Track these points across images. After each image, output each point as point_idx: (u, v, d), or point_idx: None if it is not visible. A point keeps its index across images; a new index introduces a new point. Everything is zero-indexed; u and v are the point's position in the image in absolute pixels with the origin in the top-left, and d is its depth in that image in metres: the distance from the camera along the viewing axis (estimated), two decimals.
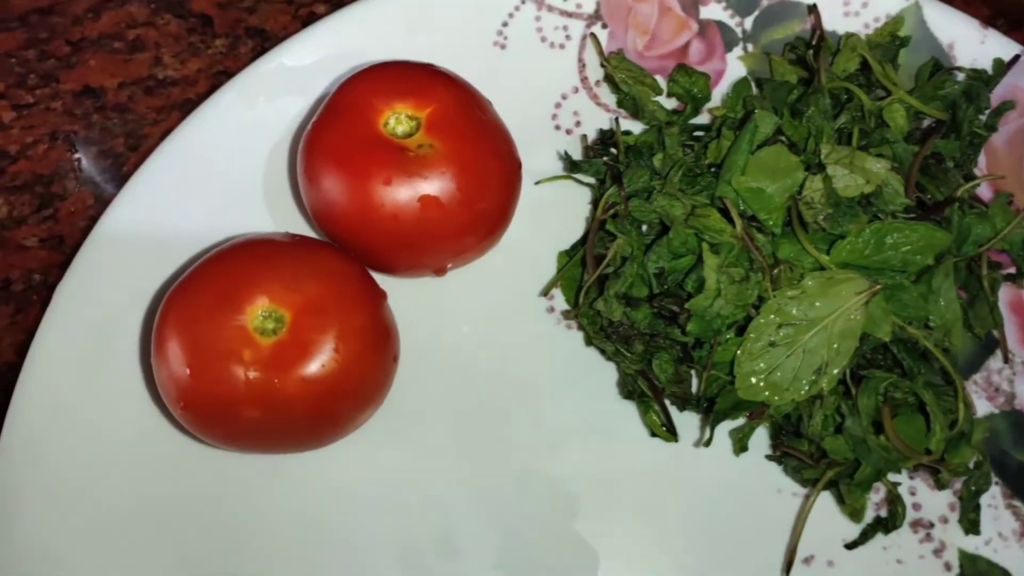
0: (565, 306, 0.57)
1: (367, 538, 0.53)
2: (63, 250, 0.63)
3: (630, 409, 0.55)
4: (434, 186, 0.51)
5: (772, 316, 0.51)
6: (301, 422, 0.50)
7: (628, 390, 0.55)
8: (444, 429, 0.55)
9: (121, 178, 0.64)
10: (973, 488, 0.53)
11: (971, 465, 0.52)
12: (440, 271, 0.56)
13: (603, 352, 0.56)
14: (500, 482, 0.54)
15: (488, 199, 0.53)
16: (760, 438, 0.55)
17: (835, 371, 0.50)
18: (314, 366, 0.49)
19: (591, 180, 0.59)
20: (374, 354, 0.51)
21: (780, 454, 0.54)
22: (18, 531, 0.51)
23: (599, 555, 0.52)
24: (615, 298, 0.52)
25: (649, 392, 0.54)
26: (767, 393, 0.51)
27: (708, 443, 0.53)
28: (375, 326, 0.51)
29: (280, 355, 0.49)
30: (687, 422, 0.55)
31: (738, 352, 0.51)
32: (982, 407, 0.55)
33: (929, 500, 0.54)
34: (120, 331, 0.55)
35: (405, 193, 0.51)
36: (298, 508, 0.53)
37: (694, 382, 0.55)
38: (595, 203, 0.58)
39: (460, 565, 0.52)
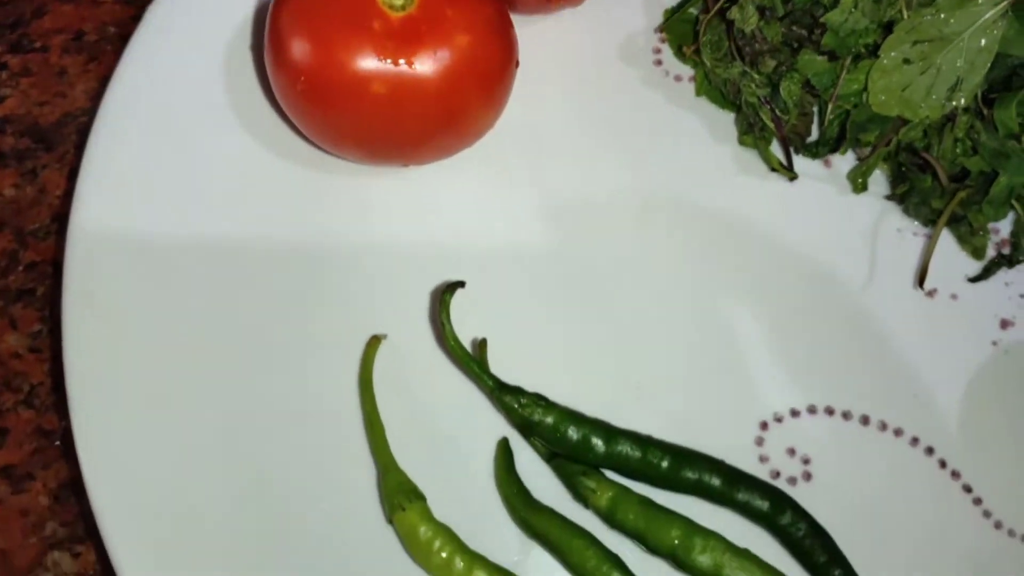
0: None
1: None
2: (137, 3, 0.61)
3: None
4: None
5: (906, 34, 0.50)
6: (427, 106, 0.47)
7: (747, 125, 0.53)
8: None
9: None
10: None
11: None
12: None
13: (721, 95, 0.54)
14: None
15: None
16: (878, 183, 0.54)
17: (970, 87, 0.49)
18: (444, 45, 0.47)
19: None
20: (501, 46, 0.49)
21: (903, 191, 0.52)
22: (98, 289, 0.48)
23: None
24: (752, 4, 0.50)
25: (771, 123, 0.52)
26: (900, 108, 0.50)
27: (822, 151, 0.52)
28: (502, 19, 0.49)
29: (410, 29, 0.46)
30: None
31: (871, 69, 0.50)
32: None
33: None
34: (197, 81, 0.53)
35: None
36: None
37: (815, 129, 0.54)
38: None
39: None
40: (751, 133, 0.53)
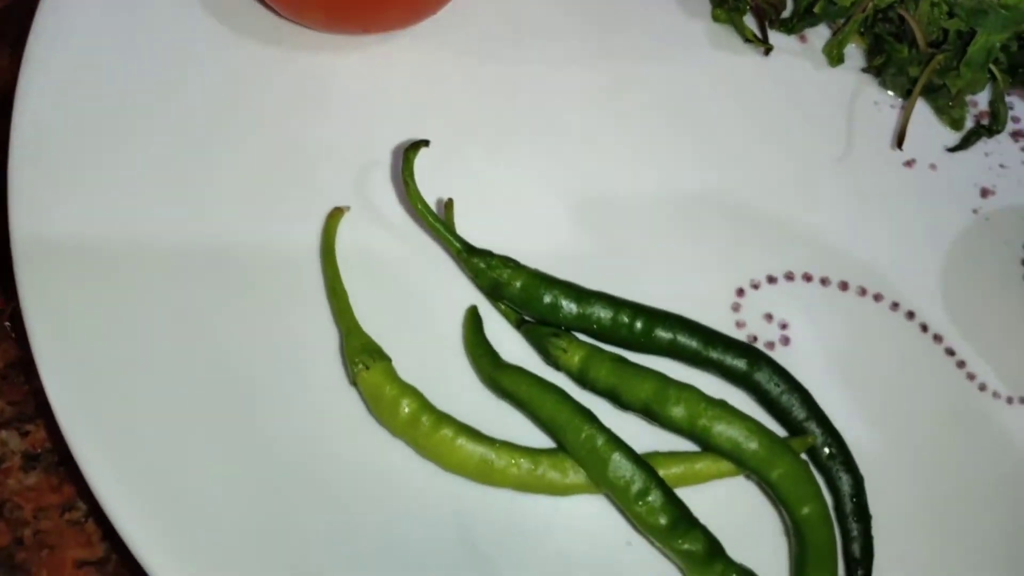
0: None
1: None
2: None
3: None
4: None
5: None
6: None
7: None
8: None
9: None
10: None
11: None
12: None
13: None
14: None
15: None
16: (854, 58, 0.52)
17: None
18: None
19: None
20: None
21: (880, 63, 0.51)
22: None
23: None
24: None
25: None
26: None
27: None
28: None
29: None
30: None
31: None
32: None
33: None
34: None
35: None
36: None
37: (789, 4, 0.52)
38: None
39: None
40: (724, 6, 0.52)
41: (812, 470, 0.41)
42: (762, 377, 0.43)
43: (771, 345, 0.46)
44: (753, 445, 0.40)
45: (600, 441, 0.40)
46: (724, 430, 0.40)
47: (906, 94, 0.51)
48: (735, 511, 0.41)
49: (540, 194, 0.48)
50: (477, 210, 0.46)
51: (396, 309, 0.45)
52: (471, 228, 0.45)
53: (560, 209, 0.48)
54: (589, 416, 0.41)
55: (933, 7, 0.49)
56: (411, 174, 0.44)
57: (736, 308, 0.46)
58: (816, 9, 0.51)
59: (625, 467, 0.39)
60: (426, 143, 0.44)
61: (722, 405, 0.41)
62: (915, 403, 0.45)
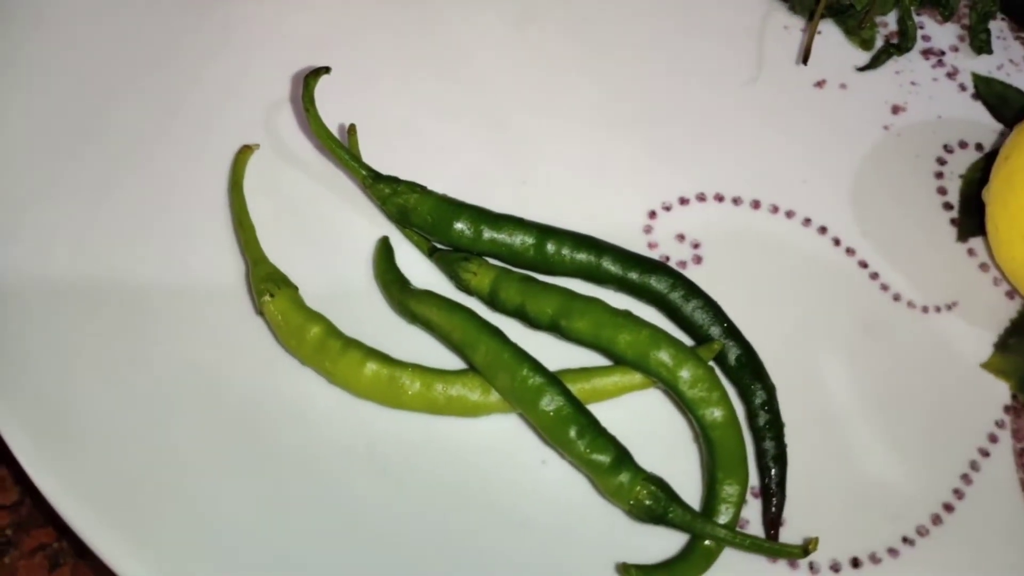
0: None
1: None
2: None
3: None
4: None
5: None
6: None
7: None
8: None
9: None
10: (981, 11, 0.51)
11: None
12: None
13: None
14: None
15: None
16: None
17: None
18: None
19: None
20: None
21: None
22: None
23: None
24: None
25: None
26: None
27: None
28: None
29: None
30: None
31: None
32: None
33: (938, 32, 0.52)
34: None
35: None
36: None
37: None
38: None
39: None
40: None
41: (720, 377, 0.40)
42: (674, 293, 0.43)
43: (683, 264, 0.46)
44: (658, 353, 0.40)
45: (507, 356, 0.39)
46: (629, 339, 0.40)
47: (812, 16, 0.52)
48: (646, 422, 0.41)
49: (448, 122, 0.48)
50: (384, 139, 0.46)
51: (305, 241, 0.45)
52: (378, 157, 0.45)
53: (469, 136, 0.48)
54: (497, 333, 0.40)
55: None
56: (311, 100, 0.43)
57: (648, 230, 0.46)
58: None
59: (533, 380, 0.39)
60: (327, 70, 0.44)
61: (626, 315, 0.41)
62: (829, 316, 0.45)
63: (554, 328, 0.41)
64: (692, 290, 0.43)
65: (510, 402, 0.40)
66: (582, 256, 0.43)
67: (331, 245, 0.45)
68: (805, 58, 0.49)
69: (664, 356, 0.40)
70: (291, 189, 0.46)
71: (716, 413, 0.39)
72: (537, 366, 0.39)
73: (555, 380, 0.39)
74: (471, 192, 0.45)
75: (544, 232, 0.43)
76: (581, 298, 0.41)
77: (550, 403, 0.39)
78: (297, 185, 0.46)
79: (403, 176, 0.44)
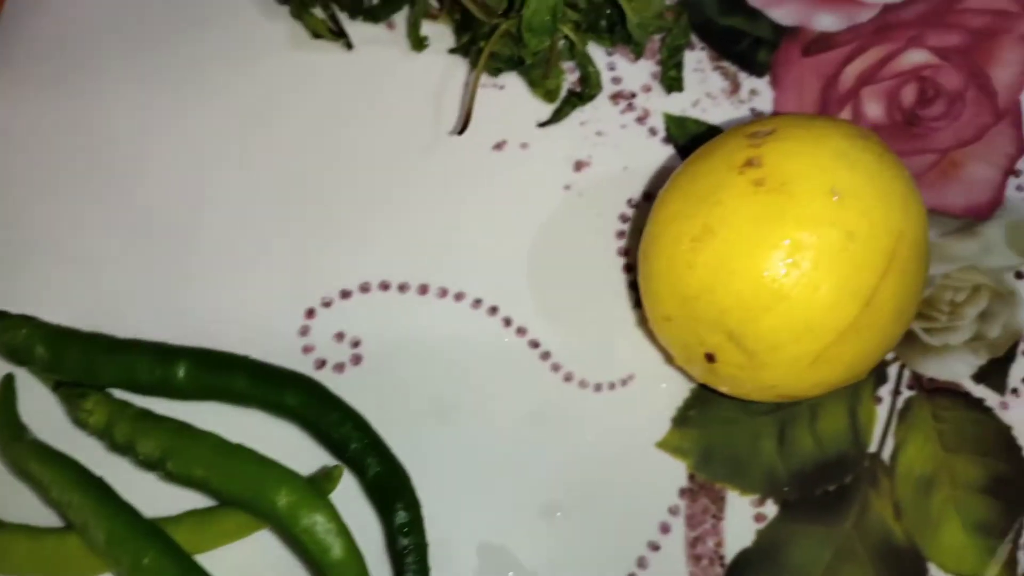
0: None
1: None
2: None
3: None
4: None
5: None
6: None
7: None
8: None
9: None
10: (671, 44, 0.48)
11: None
12: None
13: None
14: None
15: None
16: (446, 39, 0.49)
17: None
18: None
19: None
20: None
21: (465, 42, 0.48)
22: None
23: None
24: None
25: None
26: None
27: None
28: None
29: None
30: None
31: None
32: None
33: (631, 72, 0.49)
34: None
35: None
36: None
37: None
38: None
39: None
40: (289, 2, 0.49)
41: (338, 513, 0.37)
42: (310, 408, 0.40)
43: (341, 367, 0.43)
44: (270, 492, 0.37)
45: (104, 510, 0.37)
46: (240, 479, 0.37)
47: (496, 71, 0.48)
48: (263, 567, 0.39)
49: (91, 229, 0.45)
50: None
51: None
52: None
53: (114, 241, 0.45)
54: (98, 487, 0.38)
55: None
56: None
57: (305, 332, 0.43)
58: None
59: (129, 534, 0.36)
60: None
61: (239, 451, 0.38)
62: (503, 399, 0.42)
63: (162, 469, 0.38)
64: (330, 403, 0.40)
65: (108, 564, 0.37)
66: (209, 377, 0.40)
67: None
68: (463, 127, 0.46)
69: (276, 496, 0.37)
70: None
71: (335, 553, 0.37)
72: (134, 519, 0.37)
73: (155, 533, 0.37)
74: (111, 313, 0.42)
75: (167, 355, 0.41)
76: (191, 435, 0.38)
77: (149, 561, 0.36)
78: None
79: (22, 304, 0.41)
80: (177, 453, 0.38)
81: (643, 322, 0.43)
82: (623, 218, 0.46)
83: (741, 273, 0.33)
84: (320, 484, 0.38)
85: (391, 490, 0.39)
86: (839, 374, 0.34)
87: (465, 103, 0.46)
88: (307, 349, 0.43)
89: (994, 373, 0.41)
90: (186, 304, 0.44)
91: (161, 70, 0.48)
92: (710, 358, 0.36)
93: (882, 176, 0.33)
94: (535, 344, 0.43)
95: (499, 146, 0.47)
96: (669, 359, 0.41)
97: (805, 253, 0.32)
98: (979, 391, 0.41)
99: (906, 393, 0.42)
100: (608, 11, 0.47)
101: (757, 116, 0.48)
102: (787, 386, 0.35)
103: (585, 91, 0.47)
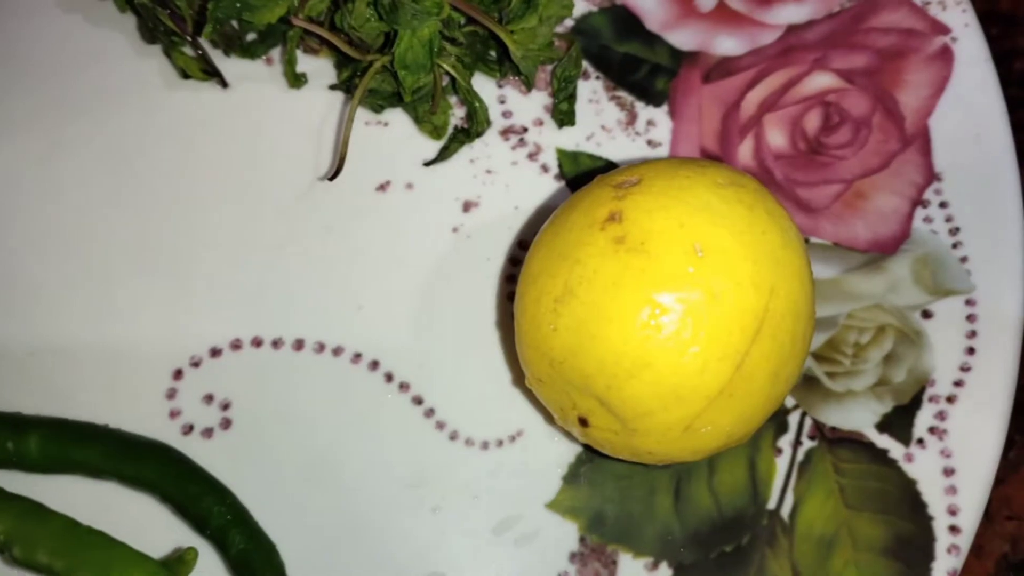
0: None
1: None
2: None
3: None
4: None
5: None
6: None
7: (147, 30, 0.46)
8: None
9: None
10: (561, 76, 0.45)
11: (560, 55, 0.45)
12: None
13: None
14: None
15: None
16: (327, 75, 0.46)
17: None
18: None
19: None
20: None
21: (347, 76, 0.45)
22: None
23: None
24: None
25: (171, 23, 0.45)
26: None
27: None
28: None
29: None
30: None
31: None
32: (580, 7, 0.47)
33: (523, 105, 0.46)
34: None
35: None
36: None
37: None
38: None
39: None
40: (158, 40, 0.46)
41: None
42: (168, 481, 0.38)
43: (209, 432, 0.40)
44: None
45: None
46: (88, 567, 0.35)
47: (378, 107, 0.46)
48: None
49: None
50: None
51: None
52: None
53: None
54: None
55: (368, 7, 0.43)
56: None
57: (172, 395, 0.41)
58: (250, 27, 0.44)
59: None
60: None
61: (89, 535, 0.35)
62: (381, 466, 0.40)
63: (8, 553, 0.36)
64: (191, 475, 0.38)
65: None
66: (63, 449, 0.38)
67: None
68: (336, 171, 0.43)
69: None
70: None
71: None
72: None
73: None
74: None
75: (19, 426, 0.38)
76: (38, 517, 0.36)
77: None
78: None
79: None
80: (23, 537, 0.35)
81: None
82: (514, 261, 0.43)
83: (602, 339, 0.30)
84: (173, 568, 0.35)
85: (256, 567, 0.37)
86: (717, 440, 0.32)
87: (340, 144, 0.44)
88: (174, 414, 0.40)
89: (899, 422, 0.39)
90: (44, 367, 0.41)
91: (31, 115, 0.46)
92: (583, 422, 0.34)
93: (752, 229, 0.31)
94: (419, 400, 0.41)
95: (383, 187, 0.45)
96: (551, 419, 0.39)
97: (668, 317, 0.30)
98: (883, 441, 0.39)
99: (807, 444, 0.39)
100: (495, 42, 0.45)
101: (654, 148, 0.45)
102: (663, 453, 0.33)
103: (472, 127, 0.45)
